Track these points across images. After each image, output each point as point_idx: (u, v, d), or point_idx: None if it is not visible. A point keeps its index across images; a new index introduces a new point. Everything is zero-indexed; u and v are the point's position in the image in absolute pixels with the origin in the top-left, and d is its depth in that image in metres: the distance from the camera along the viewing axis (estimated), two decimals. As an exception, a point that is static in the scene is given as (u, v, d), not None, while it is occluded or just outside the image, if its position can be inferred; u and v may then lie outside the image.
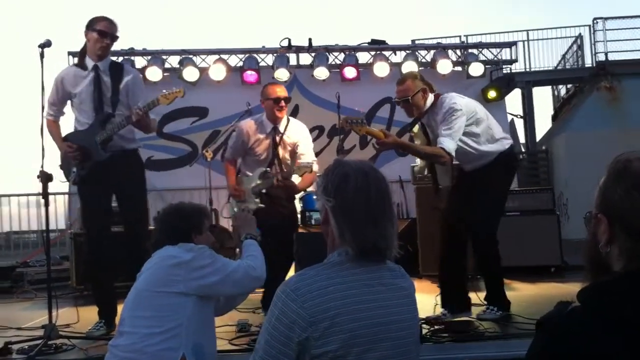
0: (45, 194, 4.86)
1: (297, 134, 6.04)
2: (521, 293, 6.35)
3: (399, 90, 5.20)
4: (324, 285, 1.98)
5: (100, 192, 5.18)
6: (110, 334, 4.82)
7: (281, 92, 5.95)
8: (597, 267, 1.56)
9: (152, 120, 5.27)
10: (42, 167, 4.79)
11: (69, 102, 5.36)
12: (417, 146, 5.36)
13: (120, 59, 10.36)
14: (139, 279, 3.24)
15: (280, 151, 5.95)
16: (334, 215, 2.09)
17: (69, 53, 10.54)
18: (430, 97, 5.15)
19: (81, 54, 5.29)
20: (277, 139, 5.93)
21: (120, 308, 5.35)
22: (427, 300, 5.64)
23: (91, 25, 5.15)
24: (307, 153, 6.02)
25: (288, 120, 6.06)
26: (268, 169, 5.84)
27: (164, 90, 5.04)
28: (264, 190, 5.76)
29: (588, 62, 18.01)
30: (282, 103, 5.87)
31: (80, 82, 5.19)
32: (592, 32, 17.82)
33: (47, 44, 4.88)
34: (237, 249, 3.85)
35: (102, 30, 5.11)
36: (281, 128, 5.96)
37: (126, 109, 5.16)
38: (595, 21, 17.71)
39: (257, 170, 5.86)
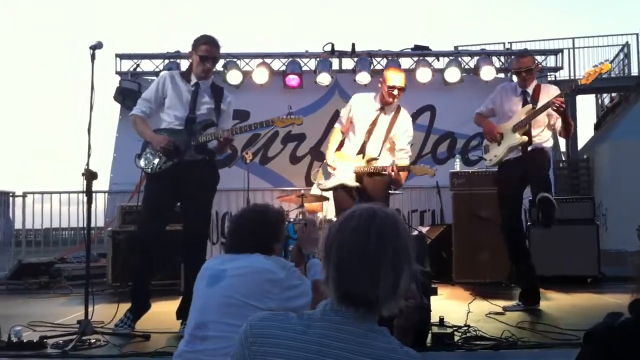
0: (89, 192, 4.94)
1: (399, 125, 6.14)
2: (557, 303, 6.31)
3: (525, 61, 6.10)
4: (281, 335, 1.79)
5: (168, 192, 5.28)
6: (137, 332, 4.94)
7: (398, 81, 6.07)
8: None
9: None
10: (87, 165, 4.88)
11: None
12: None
13: (167, 61, 10.55)
14: (222, 283, 3.01)
15: (378, 134, 6.09)
16: (325, 256, 1.86)
17: (117, 55, 10.78)
18: None
19: (188, 69, 5.54)
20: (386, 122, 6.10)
21: (159, 306, 5.52)
22: (460, 307, 5.67)
23: (195, 47, 5.38)
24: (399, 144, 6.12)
25: (398, 110, 6.19)
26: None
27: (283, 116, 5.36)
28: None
29: (634, 71, 17.80)
30: (396, 92, 6.04)
31: (180, 89, 5.37)
32: (639, 40, 17.58)
33: (98, 45, 5.01)
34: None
35: (203, 55, 5.32)
36: (388, 111, 6.13)
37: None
38: (643, 29, 17.48)
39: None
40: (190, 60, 5.49)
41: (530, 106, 5.92)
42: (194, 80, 5.38)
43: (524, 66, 6.04)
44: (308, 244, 3.60)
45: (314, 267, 3.46)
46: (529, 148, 5.96)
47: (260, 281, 2.98)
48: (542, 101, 5.87)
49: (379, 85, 6.20)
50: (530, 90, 6.07)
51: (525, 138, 5.91)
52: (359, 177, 6.03)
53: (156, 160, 5.26)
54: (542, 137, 6.01)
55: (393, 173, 5.83)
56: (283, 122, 5.34)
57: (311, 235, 3.64)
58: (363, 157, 6.04)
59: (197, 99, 5.32)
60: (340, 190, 6.13)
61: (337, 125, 6.43)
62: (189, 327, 3.04)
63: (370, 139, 6.06)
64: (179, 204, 5.48)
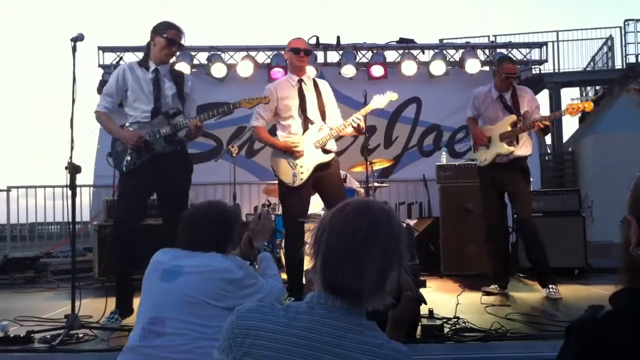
0: (72, 186, 4.87)
1: (326, 94, 5.99)
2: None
3: (515, 68, 6.58)
4: (264, 328, 1.77)
5: (144, 186, 5.23)
6: (124, 327, 4.87)
7: (302, 44, 5.98)
8: (631, 271, 1.50)
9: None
10: (70, 158, 4.80)
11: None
12: None
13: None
14: (180, 280, 2.96)
15: (311, 104, 5.90)
16: (314, 244, 1.84)
17: (99, 48, 10.69)
18: None
19: (145, 55, 5.40)
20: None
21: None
22: (449, 299, 5.66)
23: (159, 30, 5.26)
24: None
25: (315, 82, 6.04)
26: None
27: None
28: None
29: (618, 64, 17.87)
30: (302, 54, 5.88)
31: (140, 80, 5.28)
32: (623, 33, 17.67)
33: (79, 37, 4.92)
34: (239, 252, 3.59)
35: (171, 38, 5.23)
36: (307, 81, 5.98)
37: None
38: (626, 23, 17.55)
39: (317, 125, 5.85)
40: (151, 44, 5.30)
41: (514, 117, 6.34)
42: (152, 66, 5.29)
43: (513, 72, 6.40)
44: (260, 236, 3.52)
45: (264, 261, 3.42)
46: (512, 157, 6.38)
47: (218, 280, 2.96)
48: (522, 108, 6.38)
49: (290, 62, 6.12)
50: (508, 95, 6.44)
51: (513, 149, 6.33)
52: (324, 149, 5.80)
53: (128, 157, 5.19)
54: (524, 146, 6.45)
55: (360, 123, 5.72)
56: (250, 102, 5.33)
57: (264, 227, 3.55)
58: (310, 131, 5.80)
59: (160, 85, 5.25)
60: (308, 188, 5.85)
61: (257, 124, 5.98)
62: (141, 320, 2.96)
63: (308, 113, 5.82)
64: (154, 197, 5.45)
